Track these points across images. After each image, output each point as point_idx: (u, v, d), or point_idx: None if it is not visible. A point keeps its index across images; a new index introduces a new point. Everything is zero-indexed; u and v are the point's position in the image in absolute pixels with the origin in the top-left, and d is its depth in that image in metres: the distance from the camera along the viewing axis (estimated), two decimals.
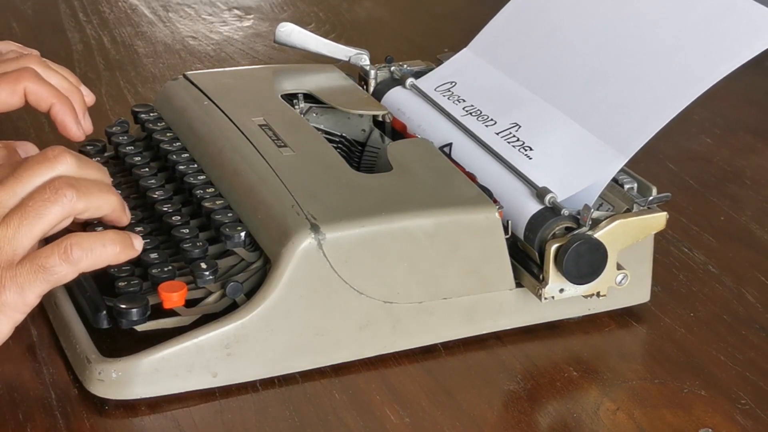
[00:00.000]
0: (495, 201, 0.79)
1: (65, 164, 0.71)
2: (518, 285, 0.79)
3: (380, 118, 0.93)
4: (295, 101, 0.94)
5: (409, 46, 1.04)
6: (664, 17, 0.84)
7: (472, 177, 0.82)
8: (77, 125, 0.84)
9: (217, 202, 0.79)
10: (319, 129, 0.89)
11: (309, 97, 0.94)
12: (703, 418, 0.73)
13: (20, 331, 0.77)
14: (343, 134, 0.94)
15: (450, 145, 0.87)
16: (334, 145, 0.87)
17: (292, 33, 1.00)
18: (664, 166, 1.06)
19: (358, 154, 0.93)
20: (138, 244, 0.73)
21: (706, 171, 1.06)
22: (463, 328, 0.78)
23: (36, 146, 0.84)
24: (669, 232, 0.94)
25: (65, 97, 0.83)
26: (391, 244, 0.74)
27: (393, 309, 0.76)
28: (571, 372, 0.77)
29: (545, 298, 0.78)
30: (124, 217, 0.76)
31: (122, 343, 0.73)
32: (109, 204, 0.73)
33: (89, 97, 0.88)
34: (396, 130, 0.92)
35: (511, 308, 0.79)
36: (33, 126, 1.07)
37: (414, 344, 0.77)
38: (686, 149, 1.10)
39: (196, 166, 0.84)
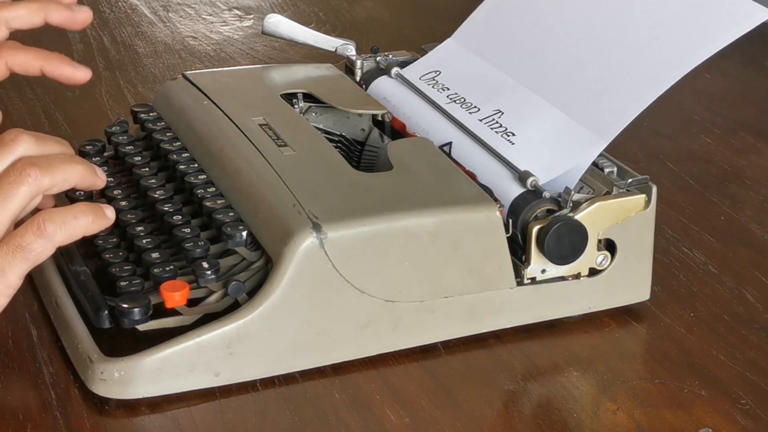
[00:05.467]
0: (495, 200, 0.79)
1: (24, 144, 0.72)
2: (519, 283, 0.79)
3: (379, 118, 0.93)
4: (294, 101, 0.94)
5: (410, 45, 1.04)
6: (642, 7, 0.86)
7: (472, 176, 0.82)
8: (76, 69, 0.82)
9: (218, 202, 0.79)
10: (318, 128, 0.89)
11: (308, 97, 0.94)
12: (703, 418, 0.73)
13: (20, 331, 0.78)
14: (343, 133, 0.94)
15: (450, 144, 0.87)
16: (334, 145, 0.87)
17: (280, 24, 1.01)
18: (664, 166, 1.06)
19: (357, 154, 0.94)
20: (110, 212, 0.74)
21: (706, 171, 1.06)
22: (463, 326, 0.78)
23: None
24: (669, 232, 0.94)
25: (50, 53, 0.83)
26: (392, 242, 0.75)
27: (394, 308, 0.76)
28: (571, 372, 0.77)
29: (528, 279, 0.79)
30: (98, 180, 0.76)
31: (124, 342, 0.73)
32: (76, 174, 0.74)
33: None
34: (395, 130, 0.92)
35: (511, 307, 0.79)
36: (32, 124, 1.08)
37: (415, 343, 0.77)
38: (686, 149, 1.10)
39: (196, 165, 0.84)
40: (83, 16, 0.85)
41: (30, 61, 0.81)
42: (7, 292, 0.70)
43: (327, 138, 0.87)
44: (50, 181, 0.72)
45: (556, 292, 0.81)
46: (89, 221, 0.72)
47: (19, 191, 0.70)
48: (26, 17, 0.84)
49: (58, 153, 0.74)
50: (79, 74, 0.83)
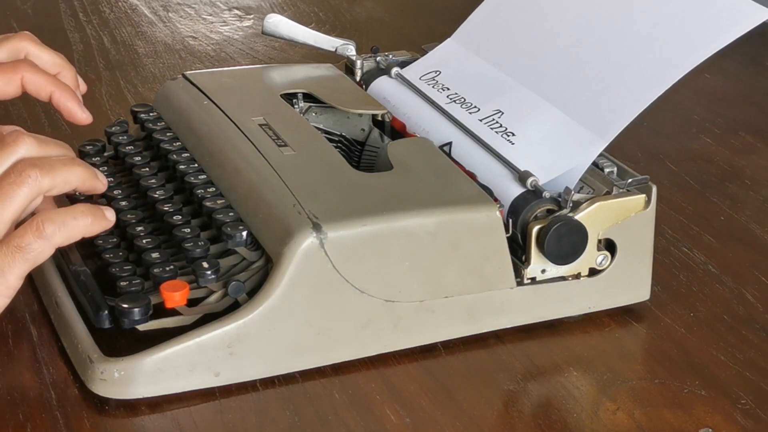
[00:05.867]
0: (495, 200, 0.79)
1: (25, 145, 0.73)
2: (519, 283, 0.79)
3: (379, 118, 0.93)
4: (294, 101, 0.94)
5: (410, 45, 1.04)
6: (642, 7, 0.86)
7: (472, 176, 0.82)
8: (82, 109, 0.84)
9: (218, 202, 0.79)
10: (318, 128, 0.89)
11: (308, 97, 0.94)
12: (703, 418, 0.73)
13: (20, 331, 0.78)
14: (343, 133, 0.94)
15: (450, 144, 0.87)
16: (334, 145, 0.87)
17: (280, 24, 1.01)
18: (664, 166, 1.06)
19: (357, 154, 0.94)
20: (110, 214, 0.74)
21: (706, 171, 1.06)
22: (463, 326, 0.78)
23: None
24: (669, 232, 0.94)
25: (64, 83, 0.83)
26: (392, 242, 0.75)
27: (394, 308, 0.76)
28: (571, 372, 0.77)
29: (528, 279, 0.79)
30: (99, 184, 0.76)
31: (124, 342, 0.73)
32: (76, 176, 0.74)
33: (82, 86, 0.88)
34: (395, 130, 0.92)
35: (511, 307, 0.79)
36: (32, 124, 1.07)
37: (415, 343, 0.78)
38: (686, 149, 1.10)
39: (196, 165, 0.84)
40: (83, 117, 0.84)
41: (44, 85, 0.82)
42: (7, 293, 0.70)
43: (327, 138, 0.87)
44: (50, 183, 0.72)
45: (556, 292, 0.81)
46: (88, 222, 0.72)
47: (19, 192, 0.71)
48: (46, 63, 0.84)
49: (59, 155, 0.75)
50: (81, 115, 0.84)
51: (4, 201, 0.70)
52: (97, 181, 0.76)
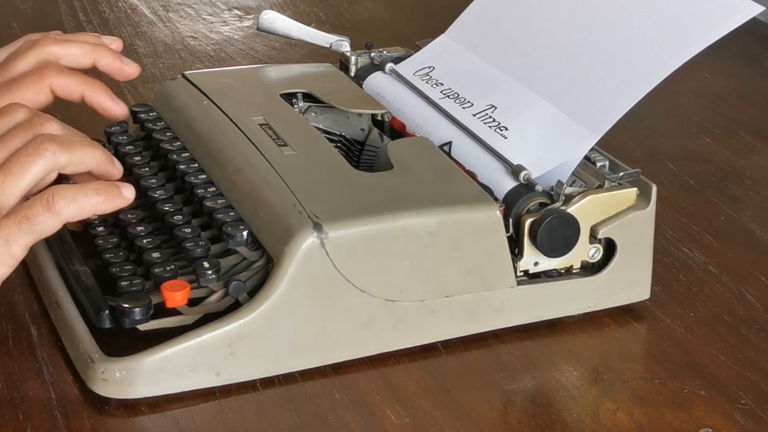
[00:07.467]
0: (496, 199, 0.79)
1: (49, 126, 0.73)
2: (519, 283, 0.79)
3: (379, 117, 0.93)
4: (294, 100, 0.94)
5: (409, 45, 1.04)
6: (634, 3, 0.87)
7: (472, 175, 0.82)
8: (115, 103, 0.85)
9: (219, 201, 0.79)
10: (318, 128, 0.89)
11: (308, 97, 0.94)
12: (703, 418, 0.73)
13: (20, 331, 0.78)
14: (342, 133, 0.94)
15: (450, 143, 0.87)
16: (334, 145, 0.87)
17: (275, 20, 1.01)
18: (664, 166, 1.06)
19: (357, 153, 0.94)
20: (128, 192, 0.73)
21: (706, 171, 1.06)
22: (464, 326, 0.79)
23: None
24: (669, 232, 0.94)
25: (93, 80, 0.83)
26: (392, 242, 0.75)
27: (395, 307, 0.76)
28: (571, 372, 0.77)
29: (521, 271, 0.79)
30: (114, 169, 0.77)
31: (124, 342, 0.73)
32: (93, 157, 0.74)
33: (115, 44, 0.88)
34: (395, 129, 0.92)
35: (511, 307, 0.79)
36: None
37: (415, 342, 0.78)
38: (686, 149, 1.10)
39: (196, 165, 0.84)
40: (131, 70, 0.86)
41: (73, 87, 0.82)
42: (9, 262, 0.70)
43: (327, 138, 0.87)
44: (67, 159, 0.72)
45: (556, 292, 0.81)
46: (100, 201, 0.72)
47: (35, 164, 0.70)
48: (77, 57, 0.84)
49: (79, 137, 0.74)
50: (115, 109, 0.85)
51: (18, 173, 0.70)
52: (113, 167, 0.76)
